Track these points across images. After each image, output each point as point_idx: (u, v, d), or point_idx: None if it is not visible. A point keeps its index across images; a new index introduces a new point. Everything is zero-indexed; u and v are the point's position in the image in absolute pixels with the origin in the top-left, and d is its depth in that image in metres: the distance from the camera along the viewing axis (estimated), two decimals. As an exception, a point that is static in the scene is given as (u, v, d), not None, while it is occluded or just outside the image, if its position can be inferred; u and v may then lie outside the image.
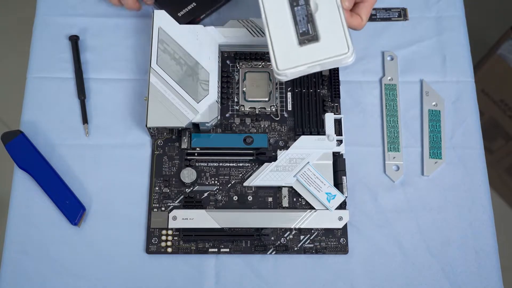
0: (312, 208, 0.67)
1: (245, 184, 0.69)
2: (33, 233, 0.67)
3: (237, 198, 0.68)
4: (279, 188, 0.69)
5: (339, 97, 0.73)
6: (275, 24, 0.60)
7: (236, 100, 0.72)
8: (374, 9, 0.78)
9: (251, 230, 0.66)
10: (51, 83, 0.73)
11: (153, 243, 0.66)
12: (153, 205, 0.68)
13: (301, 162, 0.68)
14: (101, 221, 0.68)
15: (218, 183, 0.69)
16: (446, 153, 0.72)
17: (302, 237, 0.67)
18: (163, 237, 0.66)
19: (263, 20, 0.60)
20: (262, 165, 0.69)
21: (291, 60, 0.59)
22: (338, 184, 0.68)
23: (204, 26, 0.71)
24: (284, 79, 0.60)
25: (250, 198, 0.68)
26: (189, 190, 0.68)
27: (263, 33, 0.65)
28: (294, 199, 0.68)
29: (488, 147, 1.34)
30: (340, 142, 0.70)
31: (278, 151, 0.69)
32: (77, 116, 0.72)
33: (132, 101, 0.73)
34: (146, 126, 0.67)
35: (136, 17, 0.77)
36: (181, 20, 0.71)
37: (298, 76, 0.60)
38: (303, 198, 0.68)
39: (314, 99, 0.72)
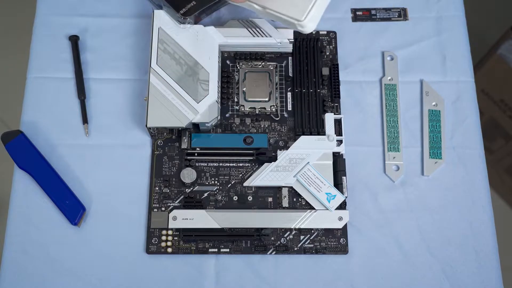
0: (312, 208, 0.67)
1: (245, 184, 0.69)
2: (33, 233, 0.67)
3: (237, 198, 0.68)
4: (279, 188, 0.69)
5: (339, 97, 0.72)
6: None
7: (236, 100, 0.72)
8: (374, 9, 0.78)
9: (251, 230, 0.66)
10: (51, 83, 0.73)
11: (153, 243, 0.66)
12: (153, 205, 0.68)
13: (301, 162, 0.68)
14: (101, 221, 0.68)
15: (218, 183, 0.69)
16: (446, 153, 0.72)
17: (302, 237, 0.67)
18: (163, 237, 0.66)
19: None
20: (262, 165, 0.69)
21: (303, 7, 0.61)
22: (338, 184, 0.68)
23: (204, 26, 0.71)
24: (311, 27, 0.62)
25: (250, 198, 0.68)
26: (189, 190, 0.68)
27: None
28: (294, 199, 0.68)
29: (488, 147, 1.34)
30: (340, 142, 0.70)
31: (278, 151, 0.69)
32: (77, 116, 0.72)
33: (132, 101, 0.73)
34: (146, 126, 0.67)
35: (136, 17, 0.77)
36: (183, 18, 0.71)
37: (320, 16, 0.62)
38: (303, 198, 0.68)
39: (314, 99, 0.72)
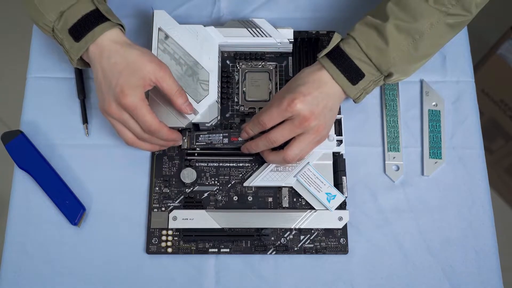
0: (312, 208, 0.67)
1: (245, 184, 0.69)
2: (33, 233, 0.67)
3: (237, 198, 0.68)
4: (279, 188, 0.69)
5: (339, 97, 0.72)
6: None
7: (236, 100, 0.72)
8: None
9: (251, 230, 0.66)
10: (51, 83, 0.73)
11: (153, 243, 0.66)
12: (153, 205, 0.68)
13: (301, 162, 0.68)
14: (101, 221, 0.68)
15: (218, 183, 0.69)
16: (446, 153, 0.72)
17: (302, 237, 0.67)
18: (163, 237, 0.66)
19: None
20: (262, 165, 0.69)
21: None
22: (338, 184, 0.68)
23: (204, 26, 0.71)
24: None
25: (250, 198, 0.68)
26: (189, 190, 0.68)
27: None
28: (294, 199, 0.68)
29: (488, 147, 1.34)
30: (340, 142, 0.70)
31: (278, 151, 0.69)
32: (77, 116, 0.72)
33: (132, 101, 0.73)
34: (146, 126, 0.67)
35: (136, 17, 0.77)
36: None
37: None
38: (303, 198, 0.68)
39: (314, 99, 0.72)
